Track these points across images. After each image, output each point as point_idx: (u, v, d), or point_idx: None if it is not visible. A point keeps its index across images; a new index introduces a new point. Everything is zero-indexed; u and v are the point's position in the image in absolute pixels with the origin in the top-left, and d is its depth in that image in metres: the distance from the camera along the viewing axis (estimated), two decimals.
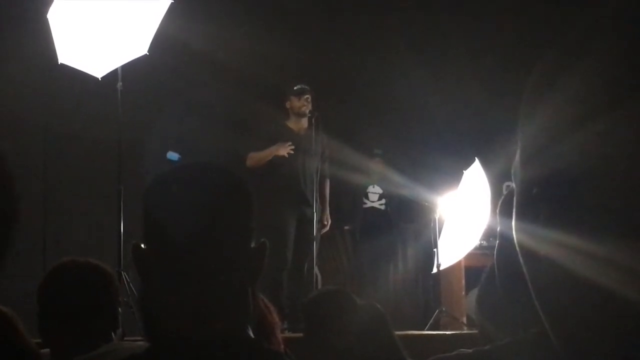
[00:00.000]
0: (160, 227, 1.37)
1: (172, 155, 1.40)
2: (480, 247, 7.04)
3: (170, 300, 1.36)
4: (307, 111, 6.79)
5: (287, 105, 6.94)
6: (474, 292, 6.01)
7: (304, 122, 6.90)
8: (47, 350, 2.44)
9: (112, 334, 2.37)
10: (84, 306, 2.32)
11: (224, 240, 1.37)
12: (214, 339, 1.32)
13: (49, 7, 5.64)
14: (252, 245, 1.40)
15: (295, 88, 6.89)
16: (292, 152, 6.70)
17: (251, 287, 1.41)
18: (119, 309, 2.43)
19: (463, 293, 7.29)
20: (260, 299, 3.01)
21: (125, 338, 3.48)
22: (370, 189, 8.13)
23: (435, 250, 7.03)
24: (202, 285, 1.35)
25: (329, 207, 7.04)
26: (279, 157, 6.71)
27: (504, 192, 6.90)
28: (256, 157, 6.79)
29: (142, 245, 1.39)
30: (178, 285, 1.35)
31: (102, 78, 5.75)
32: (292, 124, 6.93)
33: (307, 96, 6.85)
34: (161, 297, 1.37)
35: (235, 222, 1.40)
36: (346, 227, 8.25)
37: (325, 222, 6.94)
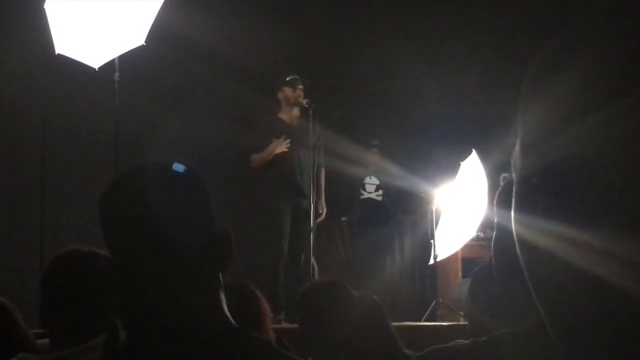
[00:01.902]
0: (117, 235, 1.39)
1: (178, 167, 1.40)
2: (477, 239, 7.05)
3: (144, 305, 1.38)
4: (304, 101, 6.76)
5: (280, 96, 6.89)
6: (459, 285, 6.02)
7: (296, 112, 6.87)
8: (45, 340, 2.44)
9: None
10: (86, 296, 2.31)
11: (184, 231, 1.38)
12: (190, 329, 1.34)
13: None
14: (216, 232, 1.42)
15: (287, 79, 6.85)
16: (289, 145, 6.69)
17: (221, 273, 1.42)
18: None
19: None
20: (246, 286, 3.02)
21: None
22: (367, 180, 8.14)
23: (432, 241, 7.04)
24: (168, 278, 1.37)
25: (326, 198, 7.03)
26: (280, 153, 6.70)
27: (501, 183, 6.91)
28: (259, 160, 6.76)
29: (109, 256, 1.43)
30: (147, 287, 1.38)
31: (99, 68, 5.74)
32: (284, 115, 6.90)
33: (301, 86, 6.83)
34: (133, 301, 1.39)
35: (193, 212, 1.41)
36: (343, 219, 8.25)
37: (321, 211, 6.93)
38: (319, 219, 6.92)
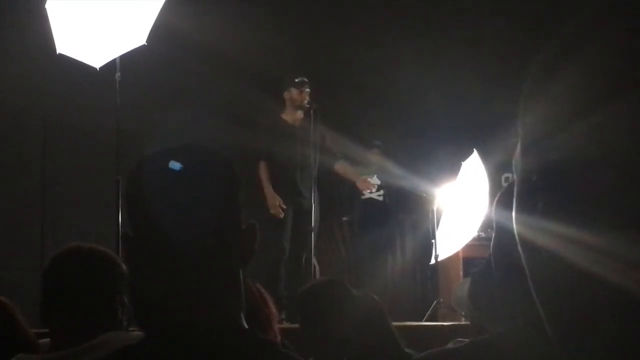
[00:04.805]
0: (146, 213, 1.34)
1: (175, 165, 1.39)
2: (478, 239, 7.04)
3: (161, 288, 1.34)
4: (306, 103, 6.77)
5: (286, 96, 6.90)
6: (462, 284, 6.02)
7: (300, 113, 6.87)
8: (46, 340, 2.43)
9: (114, 322, 2.34)
10: (87, 293, 2.30)
11: (213, 222, 1.36)
12: (206, 327, 1.31)
13: None
14: (242, 226, 1.39)
15: (296, 80, 6.84)
16: (281, 214, 6.64)
17: (242, 270, 1.40)
18: (124, 297, 2.39)
19: None
20: (257, 289, 3.01)
21: (130, 328, 3.47)
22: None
23: (433, 241, 7.04)
24: (192, 270, 1.34)
25: (327, 198, 7.04)
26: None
27: (503, 184, 6.92)
28: (259, 179, 6.73)
29: (130, 234, 1.38)
30: (168, 271, 1.34)
31: (100, 68, 5.75)
32: (287, 115, 6.90)
33: (308, 89, 6.83)
34: (152, 285, 1.36)
35: (223, 202, 1.38)
36: (344, 218, 8.25)
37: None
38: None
